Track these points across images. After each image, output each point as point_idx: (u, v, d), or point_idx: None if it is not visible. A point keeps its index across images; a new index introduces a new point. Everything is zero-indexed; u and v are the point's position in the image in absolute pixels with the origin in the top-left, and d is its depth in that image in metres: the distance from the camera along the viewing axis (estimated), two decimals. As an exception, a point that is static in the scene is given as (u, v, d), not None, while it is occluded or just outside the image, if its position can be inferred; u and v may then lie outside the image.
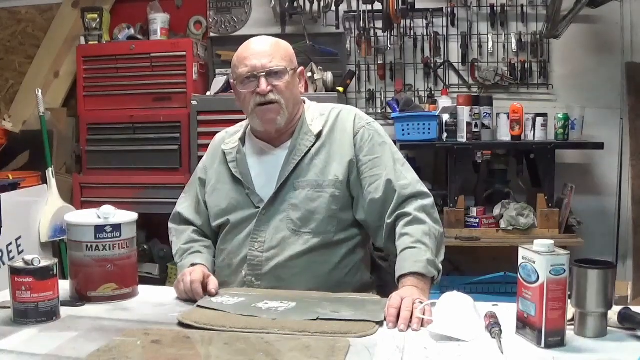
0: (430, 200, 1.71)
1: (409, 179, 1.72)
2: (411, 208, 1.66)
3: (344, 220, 1.74)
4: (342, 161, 1.73)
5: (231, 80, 1.82)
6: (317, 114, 1.81)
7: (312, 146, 1.75)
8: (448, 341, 1.25)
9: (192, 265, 1.71)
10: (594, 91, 3.51)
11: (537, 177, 3.30)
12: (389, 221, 1.68)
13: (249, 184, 1.77)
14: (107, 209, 1.58)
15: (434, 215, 1.69)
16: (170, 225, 1.91)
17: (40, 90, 3.38)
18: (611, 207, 3.56)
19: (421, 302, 1.38)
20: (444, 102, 3.44)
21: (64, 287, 1.53)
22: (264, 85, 1.69)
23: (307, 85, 3.25)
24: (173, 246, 1.87)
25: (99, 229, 1.54)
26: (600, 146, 3.27)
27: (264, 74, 1.70)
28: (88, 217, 1.58)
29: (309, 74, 3.40)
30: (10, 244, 2.93)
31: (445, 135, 3.33)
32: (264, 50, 1.73)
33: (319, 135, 1.76)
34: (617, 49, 3.51)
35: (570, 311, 1.26)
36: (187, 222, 1.87)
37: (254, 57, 1.71)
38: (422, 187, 1.73)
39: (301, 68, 1.83)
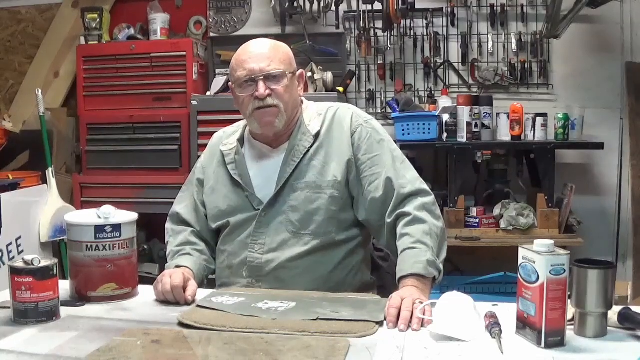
0: (430, 198, 1.69)
1: (408, 177, 1.71)
2: (411, 207, 1.65)
3: (344, 221, 1.74)
4: (340, 161, 1.72)
5: (229, 83, 1.81)
6: (314, 114, 1.80)
7: (311, 147, 1.74)
8: (448, 341, 1.25)
9: (177, 267, 1.68)
10: (594, 91, 3.51)
11: (537, 177, 3.30)
12: (389, 220, 1.67)
13: (248, 186, 1.76)
14: (107, 209, 1.58)
15: (435, 212, 1.68)
16: (167, 225, 1.89)
17: (40, 90, 3.38)
18: (611, 207, 3.56)
19: (421, 302, 1.38)
20: (444, 102, 3.45)
21: (64, 287, 1.53)
22: (262, 89, 1.68)
23: (306, 86, 3.25)
24: (168, 247, 1.84)
25: (99, 229, 1.54)
26: (600, 146, 3.27)
27: (262, 77, 1.68)
28: (88, 217, 1.58)
29: (309, 74, 3.40)
30: (10, 244, 2.93)
31: (445, 135, 3.33)
32: (262, 53, 1.71)
33: (317, 136, 1.75)
34: (617, 49, 3.51)
35: (570, 311, 1.26)
36: (185, 222, 1.86)
37: (252, 61, 1.70)
38: (422, 185, 1.72)
39: (301, 71, 1.81)
